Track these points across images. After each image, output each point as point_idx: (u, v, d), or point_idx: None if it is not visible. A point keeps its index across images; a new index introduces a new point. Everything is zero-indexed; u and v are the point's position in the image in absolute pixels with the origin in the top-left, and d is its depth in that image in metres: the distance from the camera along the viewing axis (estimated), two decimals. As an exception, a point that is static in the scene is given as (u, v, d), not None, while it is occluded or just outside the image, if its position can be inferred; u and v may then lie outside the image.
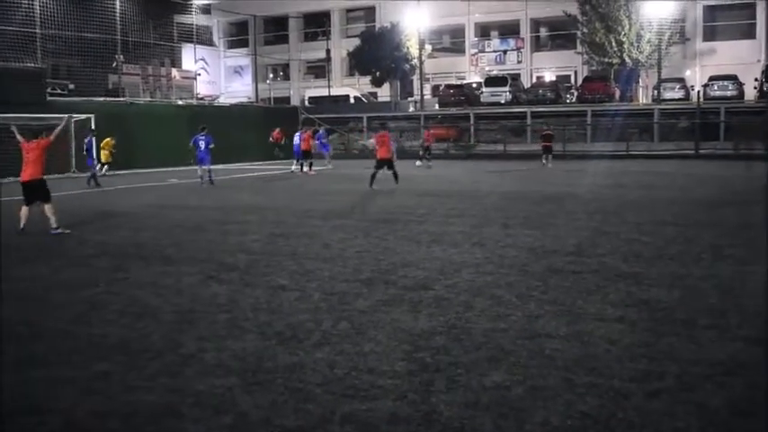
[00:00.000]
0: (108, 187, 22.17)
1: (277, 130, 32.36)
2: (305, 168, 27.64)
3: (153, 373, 5.29)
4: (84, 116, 28.22)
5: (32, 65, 31.07)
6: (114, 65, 36.94)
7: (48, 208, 12.38)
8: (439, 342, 5.88)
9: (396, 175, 20.03)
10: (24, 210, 12.46)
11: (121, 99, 34.03)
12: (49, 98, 29.39)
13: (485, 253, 9.84)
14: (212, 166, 22.66)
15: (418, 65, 48.41)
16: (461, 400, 4.65)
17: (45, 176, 12.69)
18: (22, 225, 12.27)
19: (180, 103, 37.44)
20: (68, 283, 8.44)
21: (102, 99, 32.30)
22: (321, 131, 33.17)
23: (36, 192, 12.41)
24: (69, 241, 11.64)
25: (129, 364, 5.49)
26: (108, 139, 26.98)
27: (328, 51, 56.14)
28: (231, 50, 62.34)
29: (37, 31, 32.86)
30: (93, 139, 24.62)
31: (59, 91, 33.13)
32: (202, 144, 22.14)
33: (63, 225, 12.42)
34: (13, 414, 4.62)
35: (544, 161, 29.44)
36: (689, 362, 5.31)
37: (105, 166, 26.67)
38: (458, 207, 15.54)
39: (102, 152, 26.73)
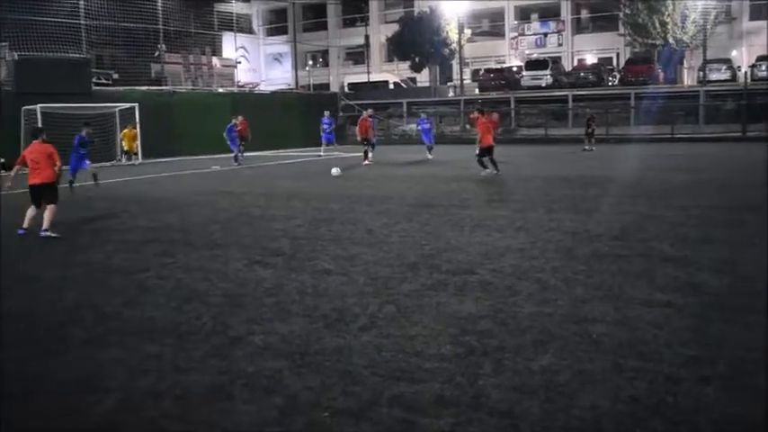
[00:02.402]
0: (151, 174, 22.49)
1: (240, 118, 26.35)
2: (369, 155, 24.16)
3: (203, 355, 5.39)
4: (128, 105, 28.70)
5: (77, 55, 31.57)
6: (156, 54, 37.42)
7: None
8: (485, 326, 5.88)
9: (494, 163, 18.66)
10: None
11: (164, 88, 34.50)
12: (94, 88, 29.92)
13: (529, 237, 9.79)
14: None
15: (457, 49, 48.11)
16: (509, 384, 4.66)
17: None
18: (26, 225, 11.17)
19: (221, 90, 37.75)
20: (120, 268, 8.63)
21: (145, 88, 32.76)
22: (424, 117, 28.20)
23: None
24: (120, 228, 11.86)
25: (179, 347, 5.61)
26: (126, 129, 27.49)
27: (367, 37, 56.03)
28: (271, 38, 62.60)
29: (81, 22, 33.36)
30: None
31: (104, 81, 33.62)
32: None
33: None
34: (74, 392, 4.76)
35: (587, 146, 29.07)
36: (740, 347, 5.24)
37: (125, 156, 27.26)
38: (500, 192, 15.46)
39: (123, 142, 27.28)
